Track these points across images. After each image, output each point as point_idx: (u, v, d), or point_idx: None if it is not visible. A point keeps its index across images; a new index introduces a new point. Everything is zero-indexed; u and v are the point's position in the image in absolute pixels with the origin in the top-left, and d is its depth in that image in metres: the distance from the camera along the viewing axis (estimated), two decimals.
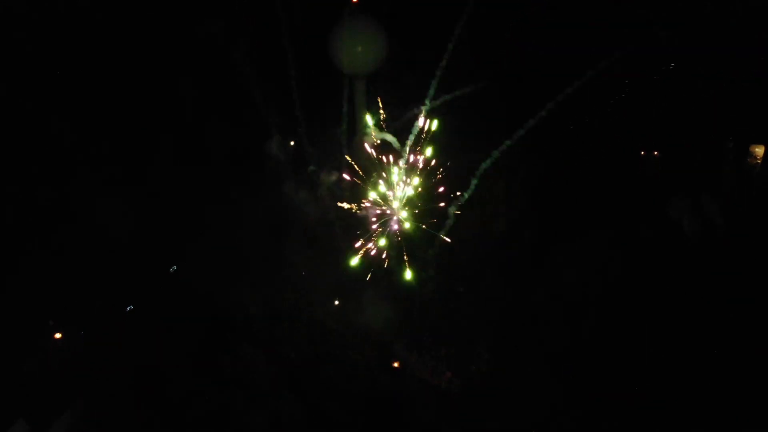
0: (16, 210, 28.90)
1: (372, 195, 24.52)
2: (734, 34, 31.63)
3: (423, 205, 24.70)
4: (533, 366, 25.43)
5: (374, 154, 25.08)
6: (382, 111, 26.55)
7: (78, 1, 28.61)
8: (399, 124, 27.82)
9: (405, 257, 25.17)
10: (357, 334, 25.45)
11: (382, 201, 24.62)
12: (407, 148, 25.39)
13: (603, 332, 24.15)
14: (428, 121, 24.66)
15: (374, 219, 24.71)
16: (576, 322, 24.30)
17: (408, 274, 25.20)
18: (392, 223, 24.78)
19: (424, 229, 25.00)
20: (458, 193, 26.19)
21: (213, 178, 30.06)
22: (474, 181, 26.17)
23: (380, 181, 24.44)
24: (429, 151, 24.42)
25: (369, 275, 25.90)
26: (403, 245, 25.04)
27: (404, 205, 24.60)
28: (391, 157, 24.81)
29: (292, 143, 31.36)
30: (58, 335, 27.29)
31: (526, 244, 28.63)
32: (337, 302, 26.77)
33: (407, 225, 24.64)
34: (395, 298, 26.99)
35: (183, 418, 23.29)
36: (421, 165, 24.50)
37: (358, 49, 25.95)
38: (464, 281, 28.05)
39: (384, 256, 25.08)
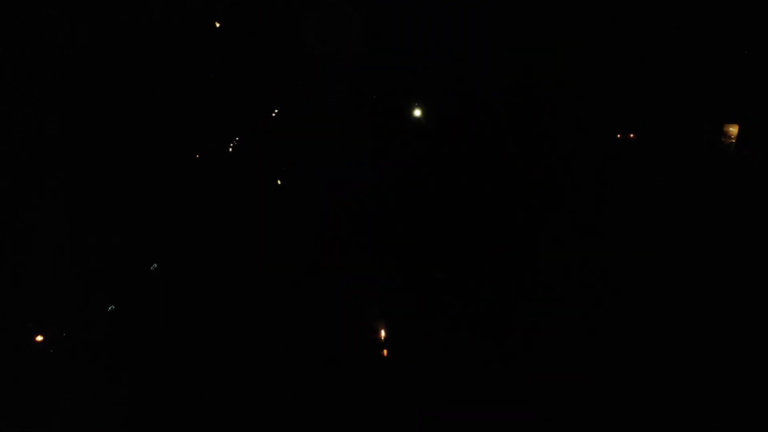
0: None
1: None
2: (706, 16, 32.09)
3: None
4: (518, 349, 25.82)
5: None
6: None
7: None
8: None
9: None
10: (342, 314, 25.46)
11: None
12: None
13: (588, 316, 24.55)
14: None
15: None
16: (560, 306, 24.67)
17: None
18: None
19: None
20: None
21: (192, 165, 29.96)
22: None
23: None
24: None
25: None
26: None
27: None
28: None
29: None
30: (39, 338, 26.90)
31: (507, 230, 28.86)
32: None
33: None
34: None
35: (172, 413, 23.19)
36: None
37: (333, 35, 25.59)
38: (445, 268, 28.20)
39: None
